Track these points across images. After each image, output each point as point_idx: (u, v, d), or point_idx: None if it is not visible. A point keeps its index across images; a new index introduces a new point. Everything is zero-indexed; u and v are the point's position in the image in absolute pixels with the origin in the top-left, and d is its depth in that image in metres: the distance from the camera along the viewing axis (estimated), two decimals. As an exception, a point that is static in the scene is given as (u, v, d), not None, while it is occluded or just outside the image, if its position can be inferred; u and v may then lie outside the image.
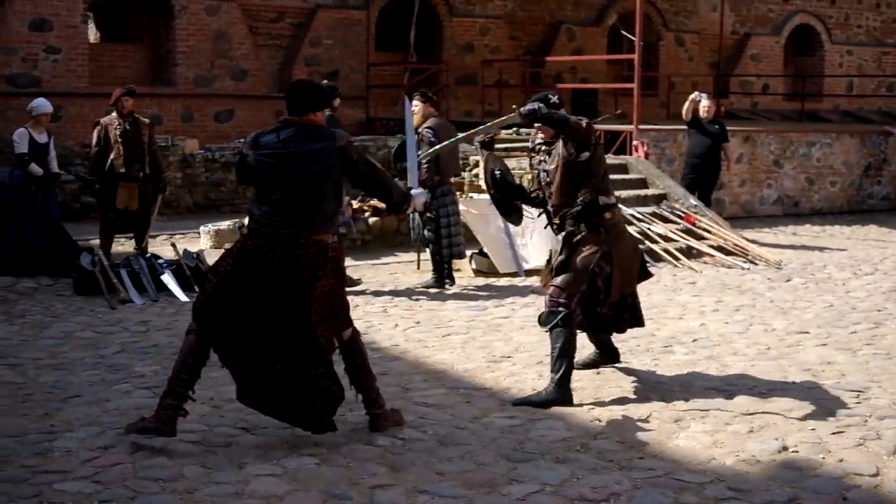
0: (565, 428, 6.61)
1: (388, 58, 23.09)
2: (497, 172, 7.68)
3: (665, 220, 14.87)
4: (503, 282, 12.05)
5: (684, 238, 14.30)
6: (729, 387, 7.66)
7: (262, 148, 6.23)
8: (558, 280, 7.18)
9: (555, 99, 7.37)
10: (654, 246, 13.90)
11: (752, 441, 6.39)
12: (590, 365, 7.99)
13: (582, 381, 7.66)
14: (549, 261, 7.53)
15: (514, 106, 7.60)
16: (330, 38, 21.75)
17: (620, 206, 7.31)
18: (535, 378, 7.79)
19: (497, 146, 14.38)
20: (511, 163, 15.47)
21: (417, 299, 10.95)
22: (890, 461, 6.09)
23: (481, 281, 12.13)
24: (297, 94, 6.31)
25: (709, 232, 14.64)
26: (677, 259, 13.60)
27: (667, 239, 14.19)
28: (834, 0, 28.50)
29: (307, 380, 6.08)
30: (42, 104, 12.26)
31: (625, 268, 7.31)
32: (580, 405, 7.07)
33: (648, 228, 14.33)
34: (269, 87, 21.11)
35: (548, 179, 7.39)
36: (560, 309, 7.10)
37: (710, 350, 8.87)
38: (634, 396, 7.31)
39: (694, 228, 14.66)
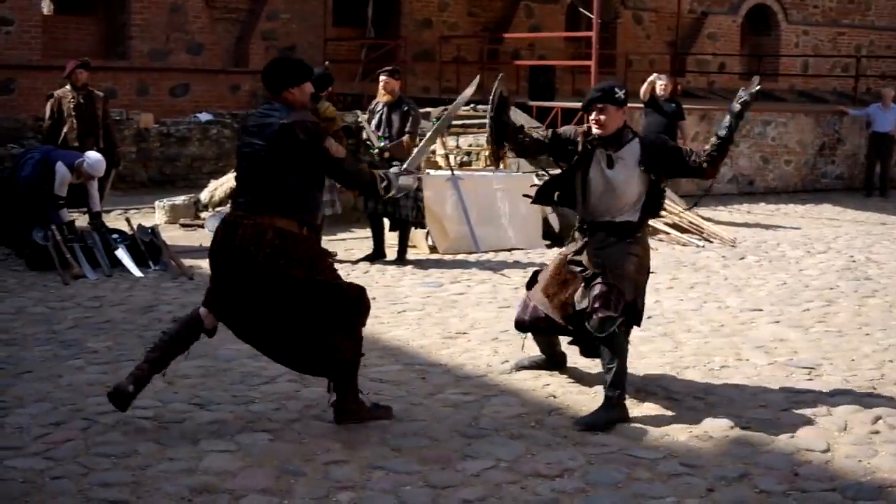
0: (520, 404, 6.63)
1: (346, 33, 22.98)
2: (505, 93, 6.85)
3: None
4: (459, 258, 12.05)
5: (640, 216, 14.32)
6: (682, 363, 7.71)
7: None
8: (620, 285, 6.51)
9: (621, 93, 6.60)
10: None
11: (705, 418, 6.42)
12: (534, 367, 7.41)
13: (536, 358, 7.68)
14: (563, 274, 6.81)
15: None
16: (287, 12, 21.63)
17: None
18: (490, 354, 7.81)
19: (454, 122, 14.42)
20: (468, 139, 15.49)
21: (372, 275, 10.94)
22: (840, 437, 6.16)
23: (437, 257, 12.12)
24: (271, 70, 6.10)
25: (664, 210, 14.66)
26: (633, 237, 13.62)
27: (623, 216, 14.21)
28: (790, -21, 28.66)
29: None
30: (96, 166, 11.51)
31: (640, 278, 6.81)
32: (536, 381, 7.09)
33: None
34: (225, 62, 20.96)
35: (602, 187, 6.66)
36: (609, 313, 6.41)
37: (665, 327, 8.93)
38: (589, 372, 7.33)
39: (650, 206, 14.69)
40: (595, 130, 6.60)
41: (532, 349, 7.41)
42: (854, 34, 29.53)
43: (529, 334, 7.19)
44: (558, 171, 6.88)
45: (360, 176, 6.44)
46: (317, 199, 6.19)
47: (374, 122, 11.64)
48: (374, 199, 11.34)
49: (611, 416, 6.31)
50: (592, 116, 6.59)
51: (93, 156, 11.40)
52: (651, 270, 6.99)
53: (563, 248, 7.11)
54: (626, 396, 6.47)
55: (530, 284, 7.09)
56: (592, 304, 6.48)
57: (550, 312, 6.81)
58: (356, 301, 6.15)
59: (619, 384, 6.37)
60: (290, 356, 6.10)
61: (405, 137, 11.33)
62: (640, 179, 6.68)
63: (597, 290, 6.49)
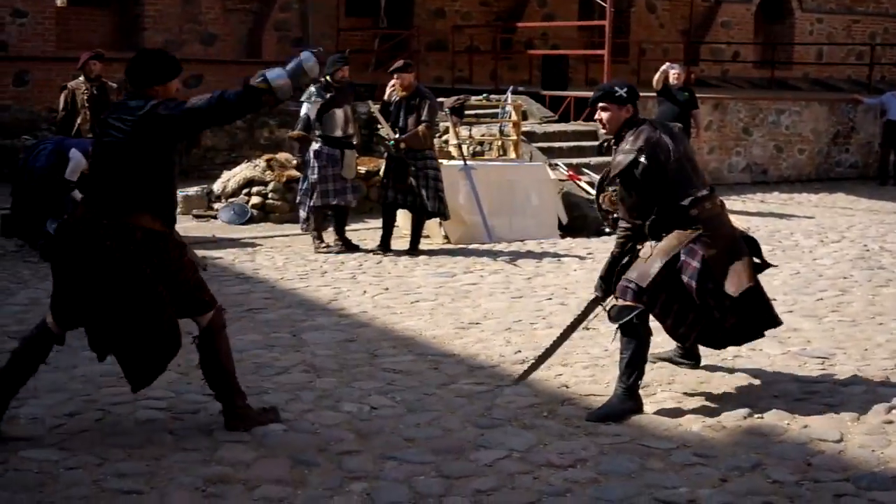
0: (532, 394, 6.63)
1: (359, 23, 22.97)
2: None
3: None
4: (472, 248, 12.05)
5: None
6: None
7: None
8: (632, 275, 6.46)
9: (622, 92, 6.59)
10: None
11: (718, 407, 6.42)
12: (668, 360, 7.40)
13: (550, 348, 7.70)
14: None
15: None
16: (300, 2, 21.60)
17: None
18: (502, 344, 7.81)
19: (467, 113, 14.41)
20: (480, 129, 15.48)
21: (385, 265, 10.95)
22: (854, 427, 6.15)
23: (450, 247, 12.13)
24: (137, 64, 5.75)
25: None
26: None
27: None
28: (805, -33, 28.54)
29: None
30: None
31: (727, 264, 6.42)
32: (548, 371, 7.10)
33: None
34: (238, 53, 20.97)
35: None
36: (627, 301, 6.40)
37: (678, 317, 8.90)
38: (602, 363, 7.34)
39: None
40: (601, 130, 6.83)
41: (542, 339, 7.41)
42: (868, 22, 29.39)
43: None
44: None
45: (231, 98, 5.56)
46: (175, 195, 5.85)
47: (392, 115, 11.61)
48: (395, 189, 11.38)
49: (624, 406, 6.31)
50: (597, 116, 6.71)
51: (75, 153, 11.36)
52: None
53: None
54: (640, 386, 6.46)
55: None
56: (616, 293, 6.54)
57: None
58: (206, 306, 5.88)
59: (632, 374, 6.36)
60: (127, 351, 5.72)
61: (421, 127, 11.32)
62: None
63: (622, 281, 6.51)
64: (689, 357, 7.35)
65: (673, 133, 6.62)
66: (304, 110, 11.53)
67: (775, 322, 6.75)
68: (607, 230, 13.36)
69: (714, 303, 6.41)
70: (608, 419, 6.19)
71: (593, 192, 14.01)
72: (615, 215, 6.84)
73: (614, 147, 6.63)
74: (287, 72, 5.60)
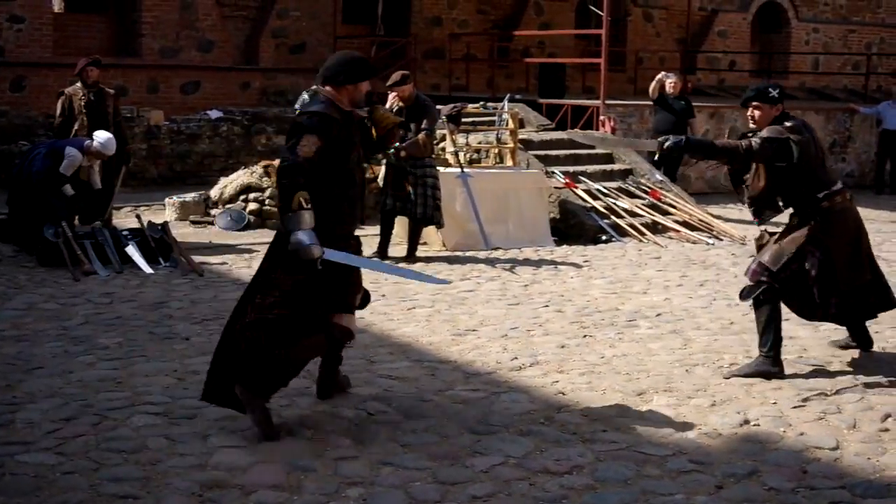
0: (529, 401, 6.64)
1: (356, 30, 22.98)
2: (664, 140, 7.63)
3: (631, 195, 14.91)
4: (469, 255, 12.06)
5: (650, 213, 14.35)
6: (692, 361, 7.71)
7: None
8: (764, 258, 7.32)
9: (774, 93, 7.44)
10: (619, 221, 13.94)
11: (714, 415, 6.44)
12: (844, 347, 8.11)
13: (546, 355, 7.71)
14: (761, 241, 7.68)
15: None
16: (297, 9, 21.65)
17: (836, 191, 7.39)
18: (499, 351, 7.82)
19: (464, 120, 14.43)
20: (477, 137, 15.50)
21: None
22: (849, 434, 6.16)
23: (447, 254, 12.13)
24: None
25: (674, 207, 14.69)
26: (642, 234, 13.65)
27: (632, 214, 14.23)
28: (801, -23, 28.59)
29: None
30: (108, 144, 11.44)
31: (847, 258, 7.38)
32: (545, 378, 7.10)
33: (614, 203, 14.36)
34: (235, 59, 21.00)
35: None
36: (763, 281, 7.27)
37: (674, 324, 8.93)
38: (598, 370, 7.34)
39: (659, 203, 14.72)
40: (751, 125, 7.52)
41: (539, 346, 7.41)
42: (865, 31, 29.45)
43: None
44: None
45: None
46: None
47: None
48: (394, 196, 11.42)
49: (760, 368, 7.27)
50: (749, 113, 7.51)
51: (102, 134, 11.36)
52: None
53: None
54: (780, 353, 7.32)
55: None
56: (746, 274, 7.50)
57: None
58: None
59: (767, 343, 7.28)
60: None
61: (421, 135, 11.33)
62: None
63: (754, 263, 7.44)
64: (862, 341, 8.04)
65: (814, 133, 7.48)
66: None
67: (891, 305, 7.81)
68: (604, 238, 13.39)
69: (825, 291, 7.30)
70: (749, 376, 7.20)
71: (590, 200, 14.09)
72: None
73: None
74: None
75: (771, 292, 7.29)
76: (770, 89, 7.45)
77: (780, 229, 7.56)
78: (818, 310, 7.46)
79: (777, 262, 7.25)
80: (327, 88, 6.07)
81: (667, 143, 7.27)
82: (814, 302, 7.37)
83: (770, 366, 7.29)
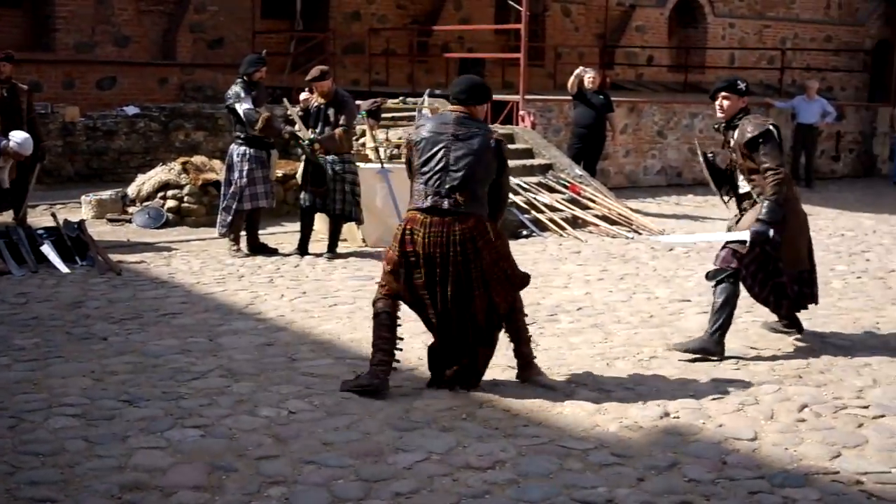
0: (451, 397, 6.64)
1: (275, 25, 22.81)
2: (710, 155, 8.16)
3: (551, 189, 14.99)
4: (390, 251, 12.02)
5: (570, 208, 14.44)
6: (612, 354, 7.77)
7: None
8: (733, 244, 7.70)
9: (742, 85, 7.88)
10: (539, 216, 14.01)
11: (634, 408, 6.49)
12: (774, 330, 8.53)
13: (468, 350, 7.71)
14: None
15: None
16: (215, 4, 21.43)
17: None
18: (420, 347, 7.79)
19: (383, 116, 14.40)
20: (398, 132, 15.47)
21: (302, 269, 10.90)
22: (767, 425, 6.25)
23: (368, 251, 12.10)
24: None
25: (594, 202, 14.80)
26: (563, 229, 13.73)
27: (552, 209, 14.31)
28: (717, -27, 28.91)
29: None
30: (25, 144, 11.21)
31: (793, 244, 7.78)
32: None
33: (534, 198, 14.43)
34: (152, 54, 20.75)
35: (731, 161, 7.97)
36: (730, 267, 7.64)
37: (595, 318, 8.99)
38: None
39: (579, 198, 14.81)
40: (719, 115, 7.93)
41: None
42: (779, 27, 29.85)
43: None
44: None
45: None
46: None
47: (311, 120, 11.59)
48: (312, 193, 11.40)
49: (703, 346, 7.61)
50: (717, 103, 7.86)
51: (18, 134, 11.14)
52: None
53: None
54: (724, 339, 7.67)
55: None
56: (715, 260, 7.88)
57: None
58: None
59: (716, 324, 7.61)
60: None
61: (338, 130, 11.31)
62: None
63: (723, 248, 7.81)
64: (792, 325, 8.42)
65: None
66: (241, 107, 11.35)
67: (814, 300, 8.14)
68: (524, 233, 13.45)
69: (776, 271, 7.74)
70: (690, 352, 7.58)
71: (510, 195, 14.11)
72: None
73: (727, 131, 7.87)
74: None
75: (735, 276, 7.67)
76: (739, 81, 7.88)
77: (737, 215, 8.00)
78: (771, 296, 7.94)
79: (741, 246, 7.62)
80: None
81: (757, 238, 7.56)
82: (770, 288, 7.85)
83: (713, 346, 7.62)
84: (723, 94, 7.84)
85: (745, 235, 7.58)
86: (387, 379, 6.65)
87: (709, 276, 7.86)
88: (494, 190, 6.77)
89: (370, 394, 6.55)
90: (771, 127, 7.69)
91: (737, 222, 7.93)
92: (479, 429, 6.07)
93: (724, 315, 7.65)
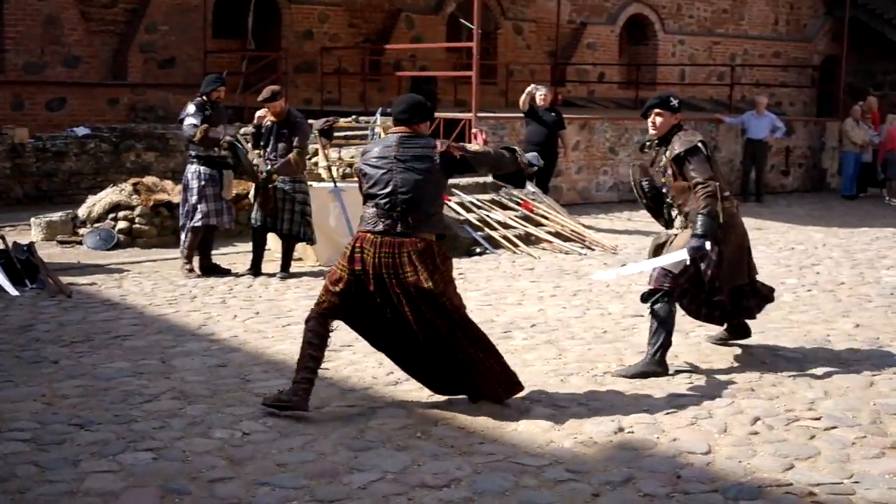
0: (405, 415, 6.63)
1: (226, 45, 22.75)
2: (645, 183, 8.07)
3: (503, 206, 15.03)
4: (344, 270, 11.99)
5: (522, 225, 14.47)
6: (566, 370, 7.79)
7: None
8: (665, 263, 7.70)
9: (675, 102, 7.87)
10: (492, 233, 14.04)
11: (589, 423, 6.51)
12: (720, 342, 8.63)
13: (423, 369, 7.70)
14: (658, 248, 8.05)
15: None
16: (166, 24, 21.34)
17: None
18: (375, 366, 7.79)
19: (336, 134, 14.39)
20: (350, 151, 15.46)
21: (255, 289, 10.86)
22: (721, 439, 6.28)
23: (322, 270, 12.06)
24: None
25: (546, 218, 14.84)
26: (516, 246, 13.76)
27: (505, 226, 14.34)
28: (666, -10, 29.15)
29: None
30: None
31: (731, 258, 7.78)
32: (421, 392, 7.10)
33: (487, 215, 14.46)
34: (103, 75, 20.62)
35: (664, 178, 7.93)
36: (664, 287, 7.63)
37: (549, 335, 9.01)
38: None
39: (532, 215, 14.85)
40: (651, 132, 7.91)
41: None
42: (728, 43, 30.15)
43: None
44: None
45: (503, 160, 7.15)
46: None
47: (264, 140, 11.57)
48: (266, 213, 11.38)
49: (646, 368, 7.59)
50: (650, 119, 7.85)
51: None
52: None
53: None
54: (665, 358, 7.70)
55: None
56: (648, 281, 7.84)
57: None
58: None
59: (656, 344, 7.62)
60: None
61: (292, 155, 11.31)
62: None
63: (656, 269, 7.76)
64: (739, 334, 8.53)
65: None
66: (186, 122, 11.34)
67: (751, 315, 8.21)
68: (478, 250, 13.47)
69: (713, 289, 7.75)
70: (636, 377, 7.51)
71: (463, 213, 14.15)
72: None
73: (659, 148, 7.88)
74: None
75: (669, 296, 7.67)
76: (671, 98, 7.88)
77: (674, 233, 7.93)
78: (703, 308, 7.98)
79: (678, 266, 7.61)
80: None
81: (696, 253, 7.56)
82: (701, 301, 7.90)
83: (656, 366, 7.62)
84: (656, 111, 7.83)
85: (683, 254, 7.55)
86: (307, 397, 6.59)
87: (643, 298, 7.84)
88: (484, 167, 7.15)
89: (289, 410, 6.52)
90: (699, 143, 7.67)
91: (669, 243, 7.88)
92: (434, 447, 6.06)
93: (662, 335, 7.66)
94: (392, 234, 6.57)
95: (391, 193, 6.62)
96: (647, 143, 8.13)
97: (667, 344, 7.68)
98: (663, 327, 7.66)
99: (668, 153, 7.77)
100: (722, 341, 8.61)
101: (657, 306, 7.67)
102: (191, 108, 11.45)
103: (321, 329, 6.70)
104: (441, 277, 6.58)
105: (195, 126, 11.30)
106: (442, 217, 6.88)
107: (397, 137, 6.74)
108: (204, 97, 11.50)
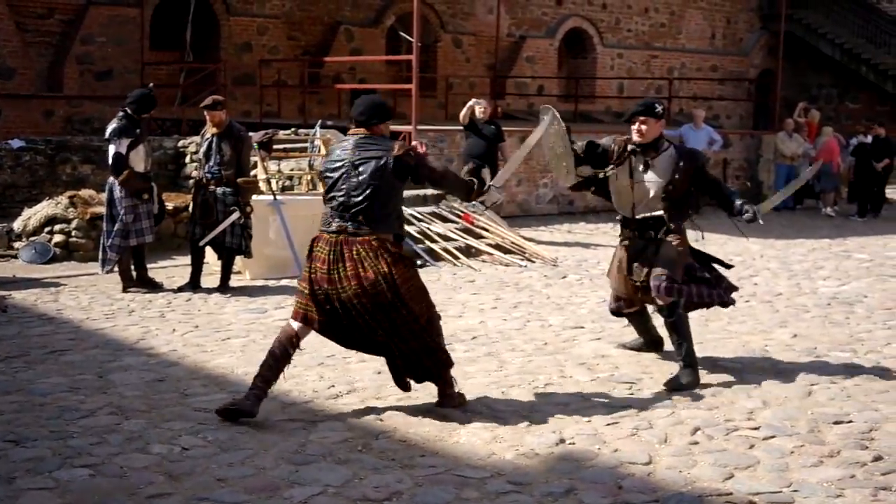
0: (346, 429, 6.59)
1: (164, 57, 22.63)
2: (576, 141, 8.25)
3: (444, 219, 15.03)
4: (283, 284, 11.95)
5: (463, 237, 14.49)
6: (507, 382, 7.79)
7: None
8: (668, 272, 7.77)
9: (660, 108, 7.91)
10: (433, 245, 14.03)
11: (530, 435, 6.51)
12: (636, 349, 8.78)
13: (363, 381, 7.68)
14: (623, 265, 8.10)
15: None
16: (103, 35, 21.18)
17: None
18: (315, 379, 7.75)
19: (276, 147, 14.32)
20: (289, 163, 15.41)
21: (194, 303, 10.76)
22: (662, 449, 6.31)
23: (261, 283, 12.00)
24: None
25: (487, 231, 14.87)
26: (456, 258, 13.76)
27: (446, 238, 14.35)
28: (605, 5, 29.37)
29: None
30: None
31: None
32: (362, 405, 7.06)
33: (428, 228, 14.45)
34: (38, 86, 20.41)
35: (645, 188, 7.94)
36: (672, 299, 7.76)
37: (489, 347, 9.01)
38: (415, 395, 7.34)
39: (472, 227, 14.87)
40: (635, 139, 7.86)
41: (356, 373, 7.37)
42: (666, 57, 30.46)
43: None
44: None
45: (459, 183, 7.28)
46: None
47: (203, 149, 11.47)
48: (202, 225, 11.26)
49: (690, 379, 7.64)
50: (635, 127, 7.82)
51: None
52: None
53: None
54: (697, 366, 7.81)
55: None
56: (656, 294, 7.80)
57: (628, 294, 8.21)
58: None
59: (690, 355, 7.74)
60: None
61: (244, 180, 11.33)
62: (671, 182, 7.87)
63: (656, 281, 7.77)
64: (652, 345, 8.71)
65: None
66: (114, 149, 11.05)
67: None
68: (418, 263, 13.44)
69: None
70: (681, 388, 7.54)
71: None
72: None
73: (644, 157, 7.87)
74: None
75: (678, 305, 7.82)
76: (656, 105, 7.90)
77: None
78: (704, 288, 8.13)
79: (677, 272, 7.81)
80: None
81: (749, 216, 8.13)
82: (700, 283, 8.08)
83: (689, 376, 7.71)
84: (641, 118, 7.82)
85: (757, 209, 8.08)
86: (258, 403, 6.65)
87: (664, 313, 7.88)
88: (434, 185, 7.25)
89: (238, 412, 6.57)
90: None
91: (643, 249, 7.93)
92: (374, 460, 6.03)
93: (685, 345, 7.79)
94: (346, 233, 6.62)
95: (344, 195, 6.65)
96: (630, 148, 7.96)
97: (692, 350, 7.81)
98: (684, 338, 7.79)
99: (682, 162, 7.83)
100: (636, 350, 8.79)
101: (672, 320, 7.80)
102: (121, 128, 11.00)
103: (288, 341, 6.87)
104: (399, 274, 6.66)
105: (120, 156, 10.99)
106: (400, 217, 6.87)
107: (354, 140, 6.75)
108: (133, 114, 11.18)
